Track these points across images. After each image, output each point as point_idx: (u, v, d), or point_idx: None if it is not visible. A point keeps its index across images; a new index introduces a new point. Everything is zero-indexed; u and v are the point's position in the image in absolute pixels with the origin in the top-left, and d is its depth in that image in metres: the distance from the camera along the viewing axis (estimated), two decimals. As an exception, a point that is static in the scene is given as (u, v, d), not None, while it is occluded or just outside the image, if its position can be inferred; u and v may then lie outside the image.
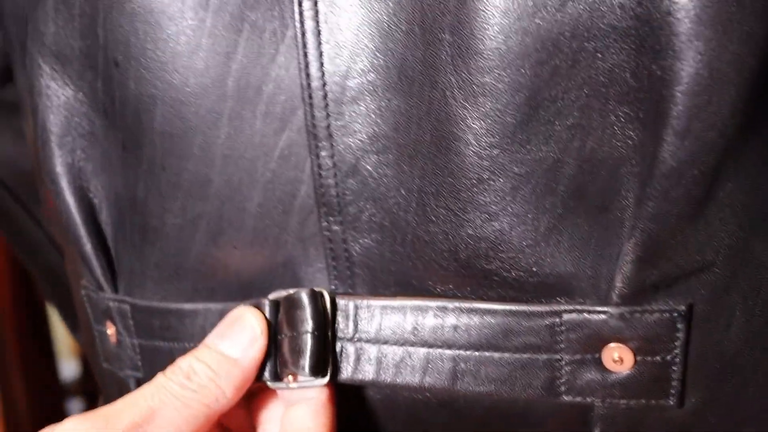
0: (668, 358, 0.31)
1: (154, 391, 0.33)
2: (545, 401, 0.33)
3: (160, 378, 0.34)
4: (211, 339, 0.36)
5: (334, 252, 0.37)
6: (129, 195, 0.40)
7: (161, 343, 0.41)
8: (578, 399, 0.33)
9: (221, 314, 0.38)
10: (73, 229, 0.42)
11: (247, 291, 0.39)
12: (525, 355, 0.33)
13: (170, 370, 0.34)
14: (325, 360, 0.35)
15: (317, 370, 0.35)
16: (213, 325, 0.38)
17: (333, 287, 0.37)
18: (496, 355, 0.33)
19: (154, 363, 0.41)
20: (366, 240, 0.36)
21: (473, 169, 0.32)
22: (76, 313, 0.51)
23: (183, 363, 0.34)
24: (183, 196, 0.38)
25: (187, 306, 0.39)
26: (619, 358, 0.32)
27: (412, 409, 0.36)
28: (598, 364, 0.32)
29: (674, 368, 0.32)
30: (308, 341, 0.35)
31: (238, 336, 0.35)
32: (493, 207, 0.33)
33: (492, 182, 0.32)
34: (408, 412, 0.36)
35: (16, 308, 0.89)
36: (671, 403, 0.32)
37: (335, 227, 0.37)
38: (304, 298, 0.35)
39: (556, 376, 0.33)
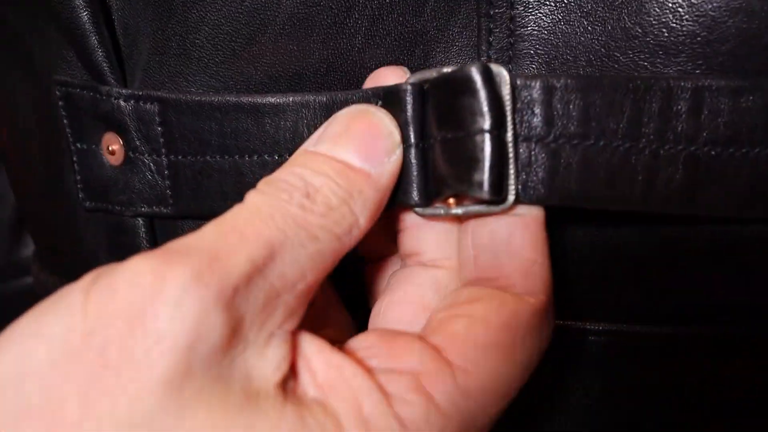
0: None
1: (267, 219, 0.21)
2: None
3: (263, 199, 0.21)
4: (321, 145, 0.23)
5: (493, 19, 0.26)
6: None
7: (217, 158, 0.28)
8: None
9: (326, 109, 0.26)
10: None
11: (356, 78, 0.27)
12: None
13: (274, 187, 0.22)
14: (505, 170, 0.24)
15: (499, 187, 0.24)
16: (315, 127, 0.26)
17: None
18: (753, 152, 0.25)
19: (199, 190, 0.28)
20: None
21: None
22: None
23: (290, 178, 0.22)
24: None
25: (269, 99, 0.26)
26: None
27: (609, 247, 0.27)
28: None
29: None
30: (486, 145, 0.23)
31: (366, 141, 0.23)
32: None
33: None
34: (602, 252, 0.27)
35: None
36: None
37: None
38: (475, 76, 0.23)
39: None
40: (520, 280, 0.23)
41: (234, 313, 0.19)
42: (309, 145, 0.24)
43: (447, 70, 0.25)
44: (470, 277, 0.24)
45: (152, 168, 0.29)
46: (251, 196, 0.22)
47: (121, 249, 0.31)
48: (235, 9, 0.27)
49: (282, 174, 0.22)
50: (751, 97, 0.24)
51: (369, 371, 0.21)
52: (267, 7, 0.26)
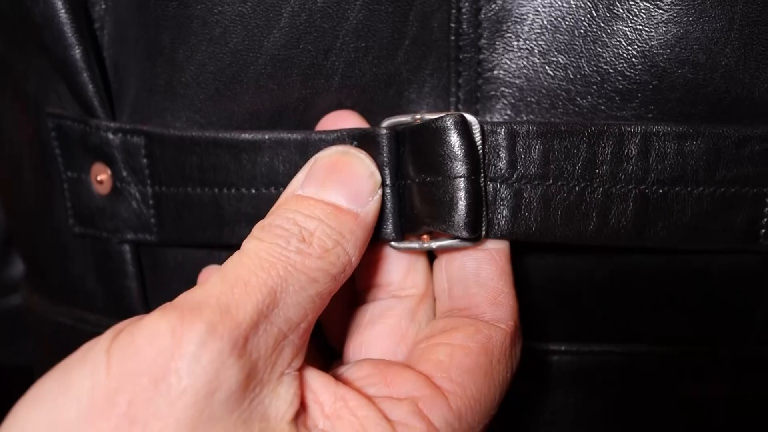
0: None
1: (268, 267, 0.22)
2: (741, 249, 0.28)
3: (262, 246, 0.23)
4: (309, 189, 0.25)
5: (462, 63, 0.28)
6: None
7: (198, 190, 0.29)
8: (779, 243, 0.28)
9: (301, 147, 0.28)
10: (51, 24, 0.29)
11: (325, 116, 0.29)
12: (731, 189, 0.27)
13: (270, 233, 0.23)
14: (480, 211, 0.26)
15: (475, 227, 0.25)
16: (290, 163, 0.28)
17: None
18: (696, 190, 0.27)
19: (180, 220, 0.30)
20: (510, 45, 0.28)
21: None
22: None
23: (284, 223, 0.23)
24: None
25: (246, 136, 0.28)
26: None
27: (568, 274, 0.29)
28: None
29: None
30: (462, 189, 0.25)
31: (351, 182, 0.25)
32: (708, 3, 0.26)
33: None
34: (562, 279, 0.29)
35: None
36: None
37: (467, 28, 0.28)
38: (452, 126, 0.25)
39: (761, 214, 0.27)
40: (489, 309, 0.25)
41: (247, 359, 0.20)
42: (295, 188, 0.25)
43: (425, 117, 0.26)
44: (445, 309, 0.26)
45: (138, 197, 0.30)
46: (250, 245, 0.23)
47: (107, 273, 0.33)
48: (220, 50, 0.28)
49: (276, 219, 0.24)
50: (694, 142, 0.26)
51: (370, 400, 0.22)
52: (250, 49, 0.28)
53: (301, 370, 0.22)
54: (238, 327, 0.20)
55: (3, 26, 0.32)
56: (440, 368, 0.23)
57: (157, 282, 0.32)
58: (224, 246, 0.30)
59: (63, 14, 0.29)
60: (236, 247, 0.27)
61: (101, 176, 0.31)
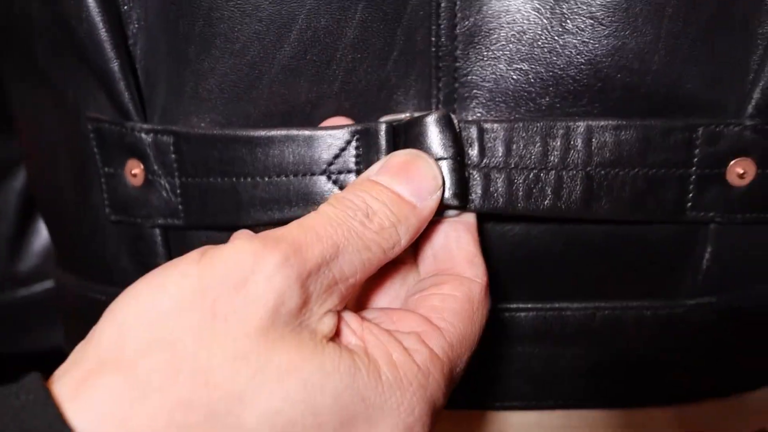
0: None
1: (336, 227, 0.27)
2: (671, 220, 0.34)
3: (334, 211, 0.28)
4: (382, 177, 0.30)
5: (441, 70, 0.34)
6: None
7: (219, 180, 0.34)
8: (701, 214, 0.34)
9: (308, 141, 0.33)
10: (92, 38, 0.34)
11: (335, 115, 0.34)
12: (661, 171, 0.33)
13: (343, 203, 0.28)
14: (465, 185, 0.32)
15: (462, 198, 0.32)
16: (298, 155, 0.33)
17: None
18: (632, 172, 0.33)
19: (204, 206, 0.35)
20: (481, 54, 0.34)
21: None
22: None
23: (355, 199, 0.29)
24: None
25: (260, 133, 0.34)
26: (743, 172, 0.33)
27: (530, 242, 0.35)
28: (722, 179, 0.33)
29: None
30: (451, 167, 0.31)
31: (420, 181, 0.30)
32: (640, 20, 0.32)
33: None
34: (526, 246, 0.35)
35: None
36: None
37: (445, 41, 0.34)
38: (441, 119, 0.31)
39: (685, 192, 0.33)
40: (468, 268, 0.31)
41: (305, 290, 0.26)
42: (370, 174, 0.30)
43: (414, 114, 0.33)
44: (430, 271, 0.32)
45: (167, 188, 0.36)
46: (326, 208, 0.28)
47: (140, 253, 0.38)
48: (239, 62, 0.34)
49: (349, 194, 0.29)
50: (628, 132, 0.32)
51: (386, 330, 0.28)
52: (264, 61, 0.34)
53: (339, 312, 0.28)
54: (305, 263, 0.26)
55: (48, 44, 0.37)
56: (435, 311, 0.29)
57: None
58: (242, 227, 0.35)
59: (103, 33, 0.34)
60: (251, 227, 0.33)
61: (135, 170, 0.36)
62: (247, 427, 0.24)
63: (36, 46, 0.38)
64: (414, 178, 0.30)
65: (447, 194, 0.31)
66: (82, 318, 0.42)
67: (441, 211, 0.31)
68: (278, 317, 0.25)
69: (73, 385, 0.23)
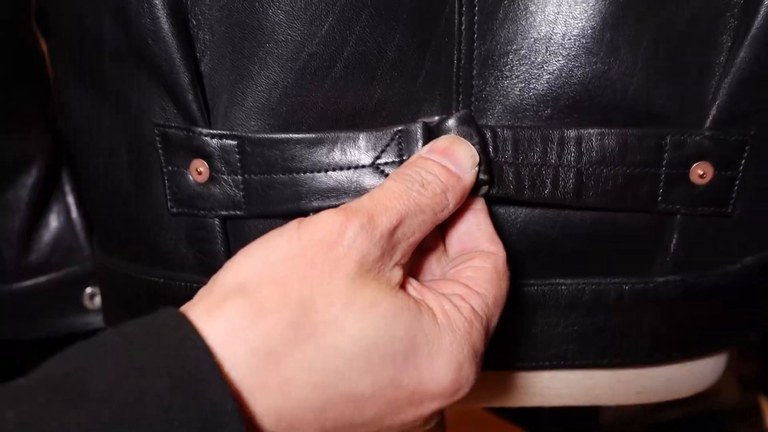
0: (734, 173, 0.42)
1: (398, 197, 0.35)
2: (645, 210, 0.42)
3: (396, 185, 0.35)
4: (432, 154, 0.38)
5: (461, 86, 0.41)
6: (245, 10, 0.40)
7: (281, 176, 0.41)
8: (669, 207, 0.42)
9: (353, 141, 0.40)
10: (166, 56, 0.40)
11: (369, 122, 0.41)
12: (637, 169, 0.41)
13: (402, 177, 0.36)
14: (490, 167, 0.40)
15: (491, 173, 0.39)
16: (346, 153, 0.40)
17: None
18: (614, 169, 0.41)
19: (267, 198, 0.41)
20: (494, 75, 0.41)
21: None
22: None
23: (412, 173, 0.36)
24: (334, 18, 0.39)
25: (314, 135, 0.41)
26: (703, 173, 0.42)
27: (531, 229, 0.43)
28: (686, 179, 0.42)
29: (736, 182, 0.42)
30: (480, 153, 0.39)
31: (462, 157, 0.38)
32: (622, 51, 0.40)
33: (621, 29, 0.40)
34: (527, 232, 0.43)
35: None
36: (729, 210, 0.43)
37: (464, 63, 0.41)
38: (464, 118, 0.39)
39: (657, 187, 0.42)
40: (490, 244, 0.39)
41: (380, 248, 0.33)
42: (423, 152, 0.38)
43: (446, 117, 0.40)
44: (457, 251, 0.40)
45: (231, 183, 0.42)
46: (390, 183, 0.35)
47: (199, 241, 0.44)
48: (299, 78, 0.40)
49: (407, 170, 0.36)
50: (610, 138, 0.41)
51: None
52: (319, 78, 0.40)
53: (404, 265, 0.35)
54: (378, 229, 0.33)
55: (116, 58, 0.42)
56: (470, 280, 0.37)
57: (241, 245, 0.43)
58: (300, 215, 0.41)
59: (176, 51, 0.40)
60: (306, 214, 0.39)
61: (200, 168, 0.42)
62: (340, 345, 0.31)
63: (104, 59, 0.44)
64: (456, 155, 0.38)
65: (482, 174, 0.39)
66: (136, 298, 0.48)
67: (476, 187, 0.39)
68: (362, 267, 0.32)
69: (204, 309, 0.31)
